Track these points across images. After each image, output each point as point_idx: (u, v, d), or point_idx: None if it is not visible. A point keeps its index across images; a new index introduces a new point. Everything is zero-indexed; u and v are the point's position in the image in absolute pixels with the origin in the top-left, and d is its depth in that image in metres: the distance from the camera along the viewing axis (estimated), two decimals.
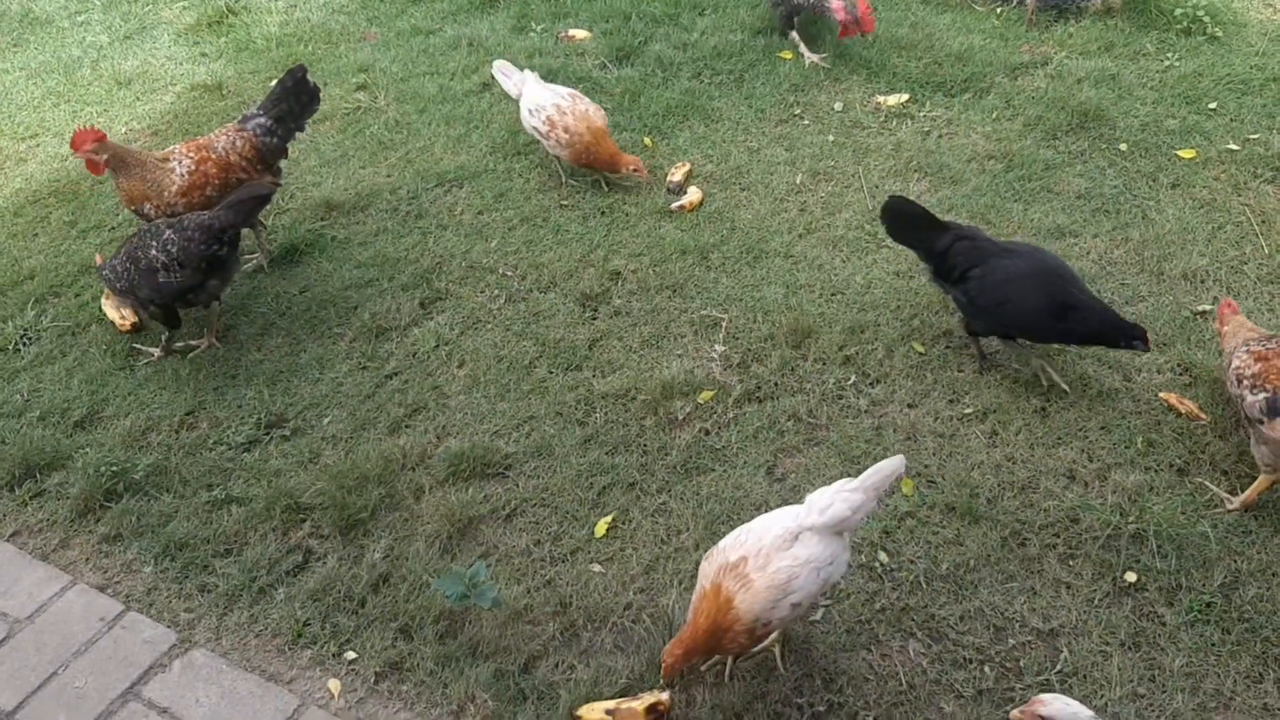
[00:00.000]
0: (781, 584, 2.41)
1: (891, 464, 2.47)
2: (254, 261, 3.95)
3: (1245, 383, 2.92)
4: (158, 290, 3.39)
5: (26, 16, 5.61)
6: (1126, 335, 3.13)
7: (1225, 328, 3.18)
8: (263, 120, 3.80)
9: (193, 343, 3.67)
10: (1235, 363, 3.00)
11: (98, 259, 3.61)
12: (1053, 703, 2.24)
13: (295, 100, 3.85)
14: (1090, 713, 2.22)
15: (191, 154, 3.68)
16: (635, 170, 4.06)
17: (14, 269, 4.02)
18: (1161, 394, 3.28)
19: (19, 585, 2.94)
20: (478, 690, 2.62)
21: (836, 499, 2.45)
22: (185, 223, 3.37)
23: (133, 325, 3.72)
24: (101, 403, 3.50)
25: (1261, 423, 2.84)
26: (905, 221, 3.40)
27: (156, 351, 3.65)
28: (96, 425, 3.43)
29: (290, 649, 2.77)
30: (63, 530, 3.09)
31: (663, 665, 2.45)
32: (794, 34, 4.86)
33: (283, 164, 4.01)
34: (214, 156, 3.70)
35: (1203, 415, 3.22)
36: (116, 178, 3.61)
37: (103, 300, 3.75)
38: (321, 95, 3.98)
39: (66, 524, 3.10)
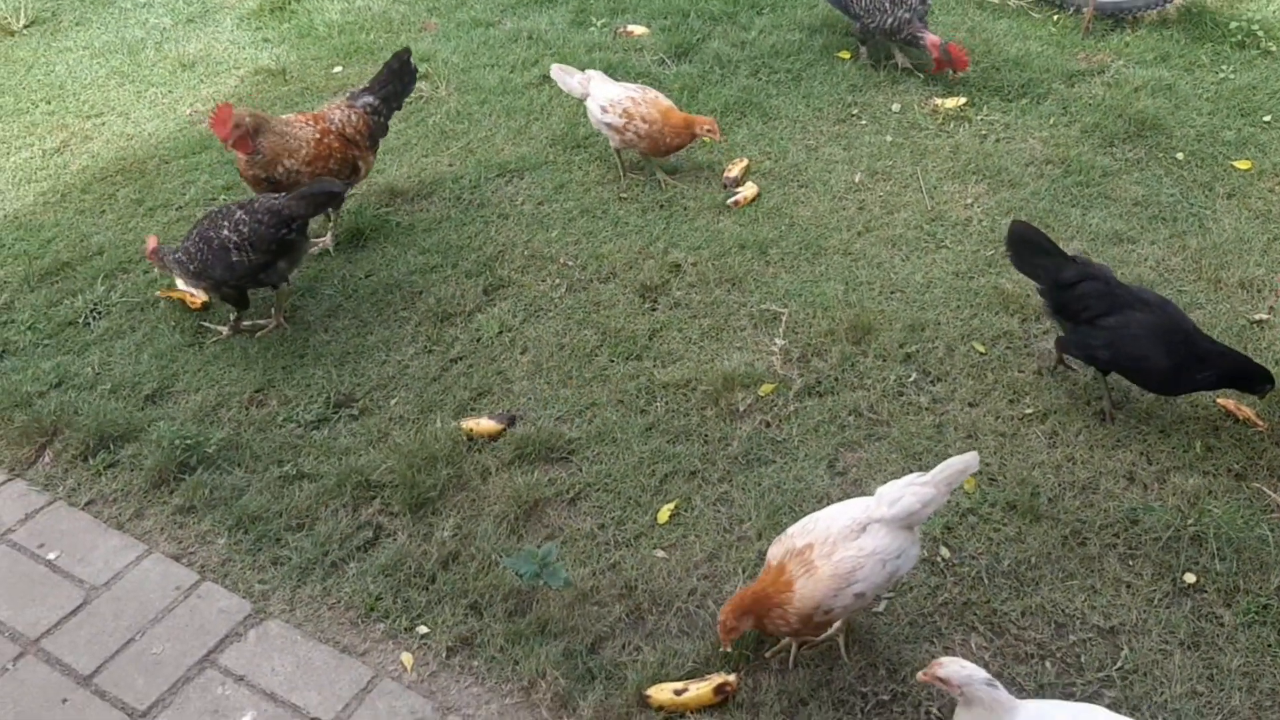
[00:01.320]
0: (845, 573, 2.45)
1: (964, 460, 2.50)
2: (320, 245, 4.02)
3: None
4: (231, 269, 3.46)
5: None
6: (1258, 378, 3.11)
7: None
8: (370, 99, 3.91)
9: (260, 322, 3.74)
10: None
11: (150, 244, 3.63)
12: (949, 664, 2.27)
13: (399, 82, 3.98)
14: (985, 675, 2.24)
15: (312, 124, 3.76)
16: (709, 131, 4.08)
17: (82, 245, 4.10)
18: (1219, 400, 3.31)
19: (95, 553, 3.01)
20: (548, 667, 2.67)
21: (906, 493, 2.48)
22: (256, 205, 3.45)
23: (203, 304, 3.79)
24: (171, 378, 3.57)
25: None
26: (1029, 248, 3.28)
27: (225, 330, 3.72)
28: (167, 399, 3.50)
29: (363, 622, 2.83)
30: (137, 501, 3.16)
31: (719, 629, 2.50)
32: (863, 50, 4.90)
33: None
34: (333, 129, 3.78)
35: (1260, 422, 3.25)
36: (254, 140, 3.63)
37: (175, 280, 3.81)
38: (417, 77, 4.07)
39: (141, 494, 3.17)
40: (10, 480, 3.23)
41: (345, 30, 5.32)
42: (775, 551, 2.56)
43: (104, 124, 4.78)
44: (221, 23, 5.47)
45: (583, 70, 4.33)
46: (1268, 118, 4.51)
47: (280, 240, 3.44)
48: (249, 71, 5.06)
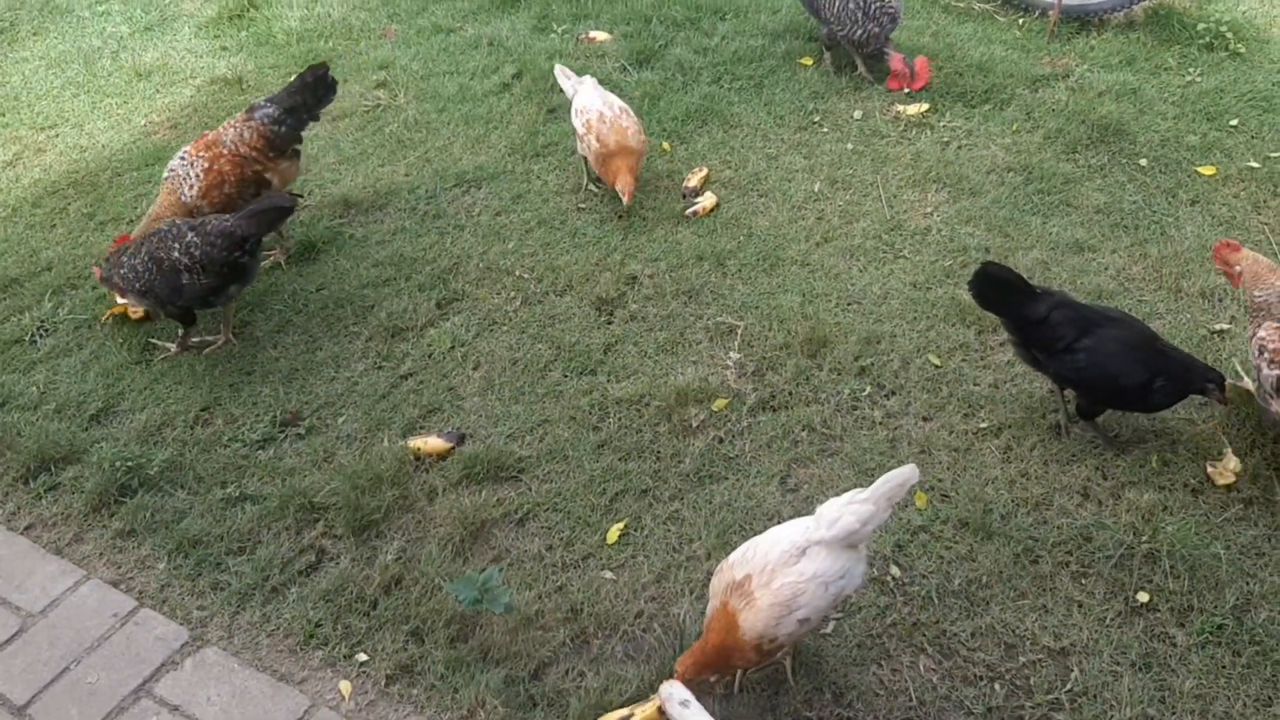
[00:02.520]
0: (786, 601, 2.40)
1: (902, 473, 2.45)
2: (272, 258, 3.96)
3: (1266, 354, 2.99)
4: (180, 292, 3.40)
5: (47, 5, 5.63)
6: (1201, 378, 3.06)
7: (1240, 270, 3.21)
8: (271, 110, 3.79)
9: (209, 338, 3.69)
10: (1262, 332, 3.04)
11: (96, 271, 3.62)
12: (665, 687, 2.35)
13: (311, 94, 3.85)
14: (682, 694, 2.33)
15: (204, 152, 3.68)
16: (624, 193, 3.98)
17: (32, 260, 4.04)
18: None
19: (33, 579, 2.95)
20: (488, 696, 2.63)
21: (845, 511, 2.43)
22: (208, 227, 3.38)
23: (144, 314, 3.73)
24: (117, 396, 3.51)
25: (1272, 398, 2.95)
26: (999, 289, 3.16)
27: (173, 347, 3.66)
28: (112, 419, 3.45)
29: (302, 649, 2.78)
30: (77, 525, 3.11)
31: (675, 676, 2.45)
32: (827, 56, 4.86)
33: (302, 162, 4.03)
34: (225, 152, 3.70)
35: (1222, 435, 3.21)
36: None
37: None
38: (338, 88, 3.96)
39: (81, 518, 3.12)
40: None
41: (304, 38, 5.26)
42: (717, 584, 2.51)
43: (58, 136, 4.71)
44: (179, 31, 5.40)
45: (580, 75, 4.28)
46: (1234, 121, 4.47)
47: (234, 263, 3.38)
48: (205, 81, 4.99)
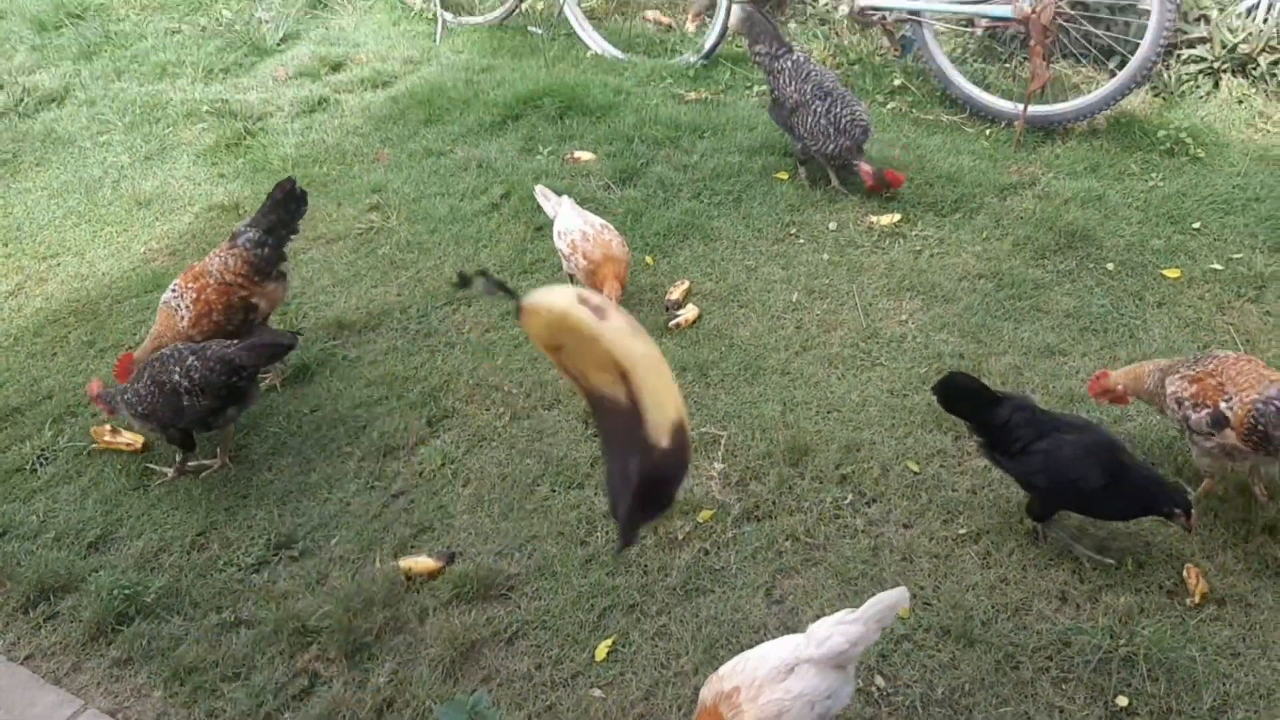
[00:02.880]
0: (771, 717, 2.45)
1: (893, 596, 2.51)
2: (267, 381, 4.07)
3: (1186, 403, 3.25)
4: (180, 414, 3.50)
5: (49, 136, 5.83)
6: (1167, 500, 3.13)
7: (1121, 386, 3.50)
8: (252, 234, 3.92)
9: (206, 462, 3.77)
10: (1171, 389, 3.30)
11: (93, 388, 3.72)
12: None
13: (284, 210, 3.96)
14: None
15: (193, 284, 3.83)
16: (610, 298, 4.10)
17: (32, 389, 4.15)
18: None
19: (33, 710, 2.99)
20: None
21: (835, 631, 2.49)
22: (208, 352, 3.50)
23: (142, 446, 3.83)
24: (115, 523, 3.59)
25: (1213, 434, 3.18)
26: (964, 397, 3.30)
27: (170, 472, 3.75)
28: (110, 546, 3.52)
29: None
30: (75, 654, 3.15)
31: None
32: (802, 170, 5.03)
33: (296, 283, 4.16)
34: (211, 282, 3.83)
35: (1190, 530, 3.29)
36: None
37: (101, 431, 3.83)
38: (308, 199, 4.07)
39: (79, 647, 3.17)
40: None
41: (299, 163, 5.45)
42: (707, 694, 2.57)
43: (59, 265, 4.86)
44: (178, 160, 5.59)
45: (559, 195, 4.44)
46: (1196, 224, 4.64)
47: (231, 387, 3.49)
48: (203, 207, 5.16)
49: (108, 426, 3.86)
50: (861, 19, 5.64)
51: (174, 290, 3.86)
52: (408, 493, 3.64)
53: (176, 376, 3.46)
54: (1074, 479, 3.13)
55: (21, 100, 6.13)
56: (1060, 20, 5.15)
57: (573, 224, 4.22)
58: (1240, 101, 5.51)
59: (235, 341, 3.61)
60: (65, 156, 5.68)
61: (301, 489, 3.67)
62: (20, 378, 4.22)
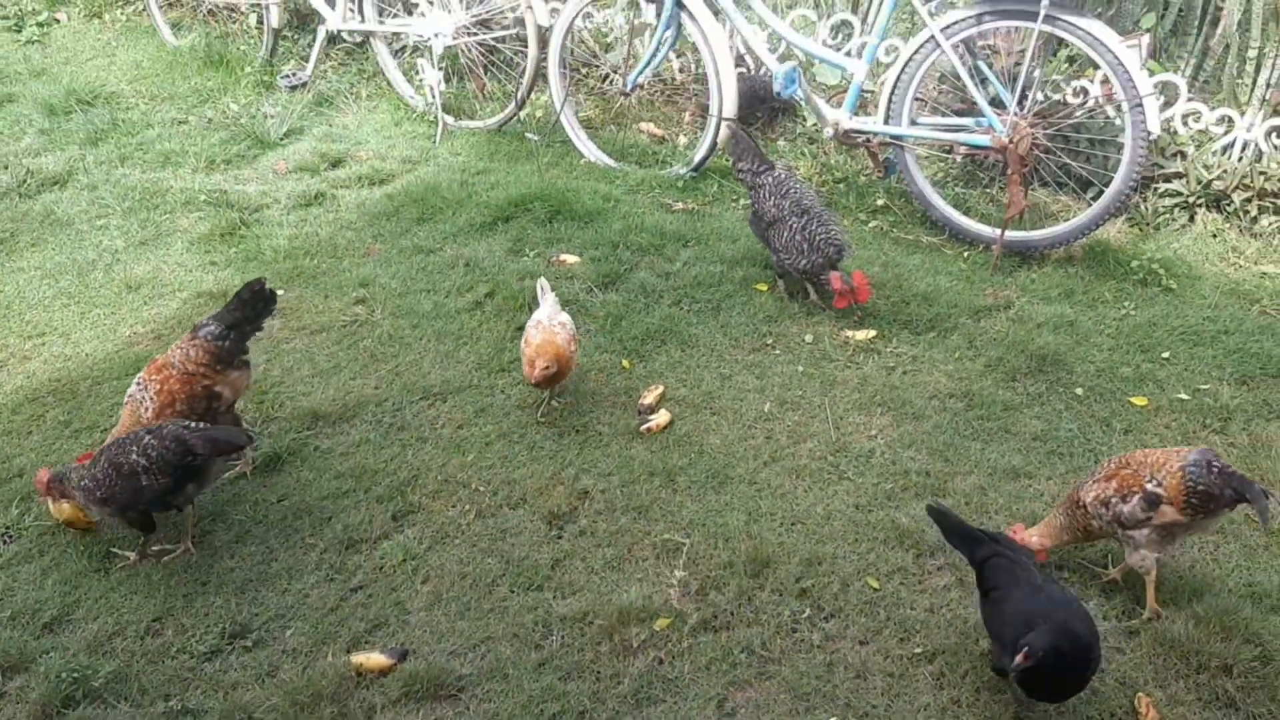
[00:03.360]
0: None
1: None
2: (239, 467, 4.09)
3: (1114, 501, 3.36)
4: (140, 493, 3.52)
5: (48, 218, 5.94)
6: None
7: (1041, 540, 3.56)
8: (212, 328, 4.00)
9: (168, 547, 3.77)
10: (1092, 496, 3.42)
11: (42, 476, 3.72)
12: None
13: (250, 309, 4.05)
14: None
15: (157, 376, 3.89)
16: (527, 372, 4.18)
17: (4, 466, 4.16)
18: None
19: None
20: None
21: None
22: (164, 431, 3.54)
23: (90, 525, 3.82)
24: (73, 604, 3.57)
25: (1150, 518, 3.30)
26: (943, 530, 3.36)
27: (133, 556, 3.74)
28: (65, 627, 3.50)
29: None
30: None
31: None
32: (780, 282, 5.12)
33: (276, 372, 4.21)
34: (174, 373, 3.89)
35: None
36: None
37: (54, 508, 3.80)
38: (277, 299, 4.15)
39: None
40: None
41: (290, 255, 5.55)
42: None
43: (44, 344, 4.91)
44: (172, 246, 5.69)
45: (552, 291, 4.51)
46: (1166, 354, 4.71)
47: (188, 466, 3.52)
48: (191, 294, 5.24)
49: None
50: (846, 141, 5.80)
51: (138, 384, 3.91)
52: (366, 587, 3.63)
53: (134, 456, 3.49)
54: (1015, 639, 2.93)
55: (24, 181, 6.26)
56: (1037, 151, 5.30)
57: (540, 315, 4.32)
58: (1214, 235, 5.64)
59: (190, 424, 3.65)
60: (62, 238, 5.78)
61: (261, 578, 3.67)
62: (6, 451, 4.24)
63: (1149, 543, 3.37)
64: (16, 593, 3.62)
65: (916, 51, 5.30)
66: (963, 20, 5.13)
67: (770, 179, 5.02)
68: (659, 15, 6.13)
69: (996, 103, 5.39)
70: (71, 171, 6.45)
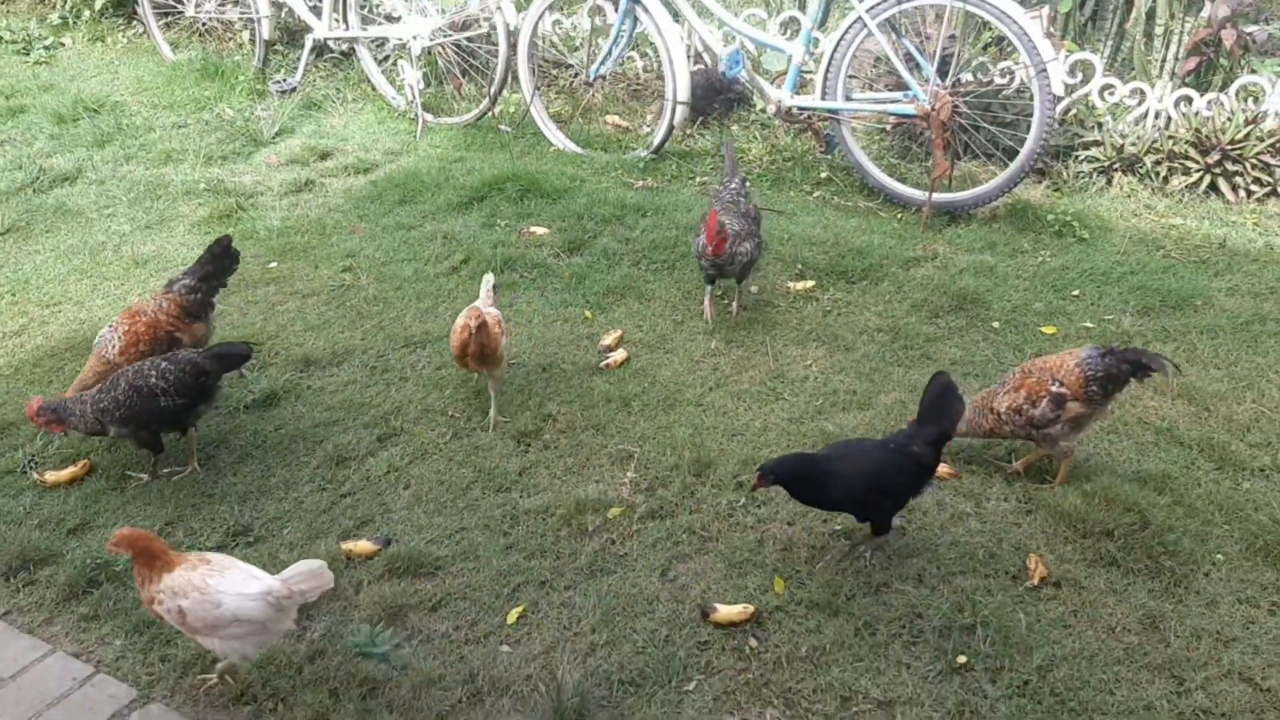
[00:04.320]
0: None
1: (312, 565, 3.15)
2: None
3: (1025, 407, 3.88)
4: (158, 414, 4.00)
5: (60, 208, 6.44)
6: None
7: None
8: (187, 281, 4.53)
9: (177, 468, 4.24)
10: (1005, 405, 3.93)
11: (32, 404, 4.11)
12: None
13: (219, 263, 4.60)
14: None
15: (127, 322, 4.39)
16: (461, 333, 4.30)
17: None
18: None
19: (6, 652, 3.40)
20: None
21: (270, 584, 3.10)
22: (178, 357, 4.04)
23: (85, 471, 4.24)
24: (94, 515, 4.03)
25: (1059, 415, 3.82)
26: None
27: (145, 476, 4.21)
28: (87, 532, 3.95)
29: (234, 705, 3.21)
30: (49, 611, 3.57)
31: None
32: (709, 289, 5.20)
33: (271, 328, 4.68)
34: (144, 320, 4.40)
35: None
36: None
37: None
38: (240, 259, 4.71)
39: (52, 606, 3.58)
40: None
41: (283, 233, 6.05)
42: None
43: (60, 312, 5.40)
44: (175, 229, 6.20)
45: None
46: (1076, 292, 5.21)
47: (201, 386, 4.02)
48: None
49: (48, 474, 4.25)
50: (789, 118, 6.34)
51: (110, 327, 4.41)
52: (354, 493, 4.10)
53: (153, 380, 3.97)
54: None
55: (37, 178, 6.77)
56: (959, 119, 5.83)
57: (474, 304, 4.49)
58: (1129, 196, 6.17)
59: (201, 349, 4.14)
60: (74, 225, 6.28)
61: (261, 490, 4.13)
62: (17, 399, 4.70)
63: (1062, 435, 3.88)
64: (44, 508, 4.07)
65: (846, 32, 5.85)
66: (886, 1, 5.68)
67: (730, 186, 5.21)
68: (616, 10, 6.69)
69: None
70: (80, 169, 6.96)
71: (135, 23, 9.74)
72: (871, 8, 5.71)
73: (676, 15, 6.61)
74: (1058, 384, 3.83)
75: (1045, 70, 5.37)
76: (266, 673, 3.30)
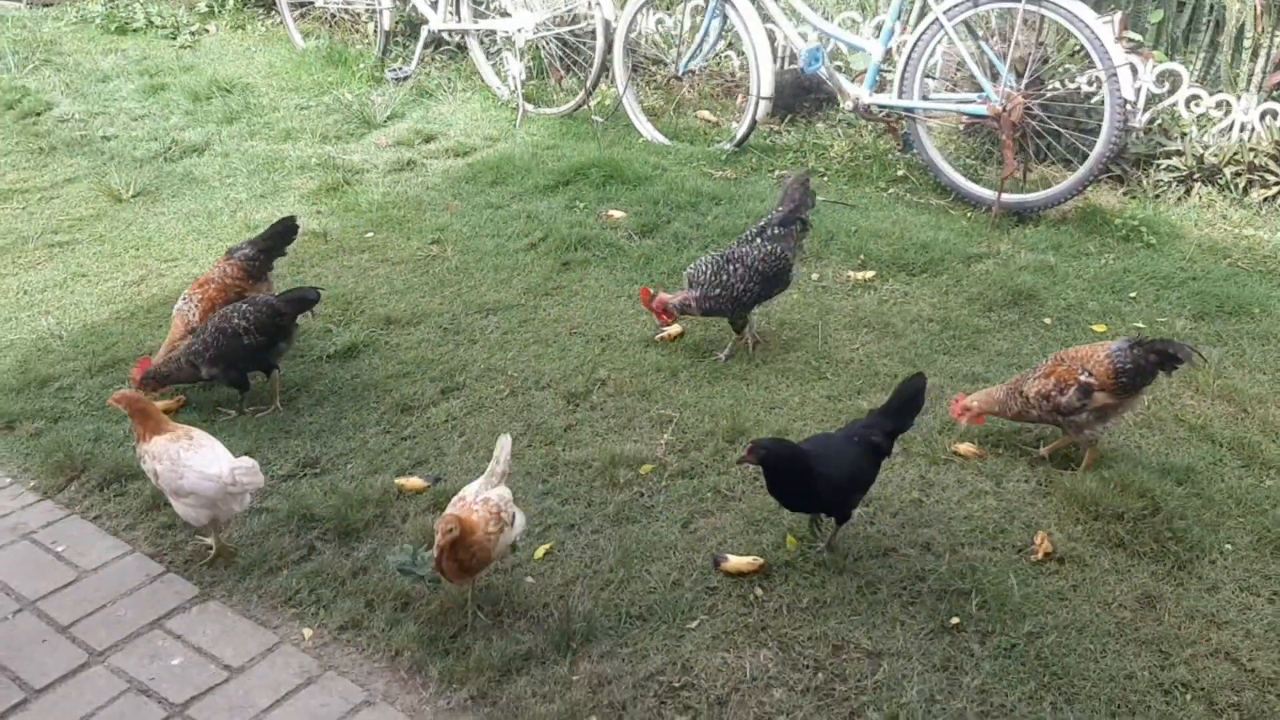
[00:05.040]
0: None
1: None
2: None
3: (1053, 394, 3.96)
4: (242, 351, 4.44)
5: (187, 177, 7.04)
6: None
7: (979, 404, 4.17)
8: (248, 251, 5.00)
9: (261, 408, 4.66)
10: (1034, 391, 4.02)
11: (135, 372, 4.55)
12: None
13: (280, 239, 5.11)
14: None
15: (198, 291, 4.85)
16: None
17: (139, 348, 5.11)
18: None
19: (93, 550, 3.84)
20: (412, 644, 3.37)
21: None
22: (257, 299, 4.55)
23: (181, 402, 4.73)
24: None
25: (1085, 404, 3.94)
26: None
27: (232, 412, 4.65)
28: None
29: (282, 607, 3.58)
30: (132, 518, 4.01)
31: None
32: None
33: (360, 290, 5.09)
34: (213, 283, 4.88)
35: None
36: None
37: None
38: (299, 232, 5.19)
39: (136, 513, 4.02)
40: (42, 500, 4.13)
41: (382, 207, 6.50)
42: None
43: (177, 266, 5.93)
44: (286, 198, 6.71)
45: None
46: (1133, 294, 5.26)
47: (278, 325, 4.47)
48: (299, 234, 6.20)
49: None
50: (867, 115, 6.50)
51: (184, 299, 4.87)
52: (414, 438, 4.45)
53: (236, 320, 4.42)
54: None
55: (169, 149, 7.41)
56: (1033, 121, 5.91)
57: (467, 489, 3.56)
58: (1208, 206, 6.14)
59: (275, 294, 4.62)
60: (196, 192, 6.86)
61: (333, 429, 4.52)
62: (130, 340, 5.22)
63: (1087, 424, 3.98)
64: None
65: (924, 33, 5.98)
66: (962, 4, 5.80)
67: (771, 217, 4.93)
68: (707, 7, 6.95)
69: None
70: (209, 143, 7.58)
71: (273, 13, 10.44)
72: (949, 9, 5.84)
73: (764, 13, 6.84)
74: (1087, 374, 3.92)
75: (1115, 75, 5.42)
76: (314, 583, 3.66)
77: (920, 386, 3.75)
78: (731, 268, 4.66)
